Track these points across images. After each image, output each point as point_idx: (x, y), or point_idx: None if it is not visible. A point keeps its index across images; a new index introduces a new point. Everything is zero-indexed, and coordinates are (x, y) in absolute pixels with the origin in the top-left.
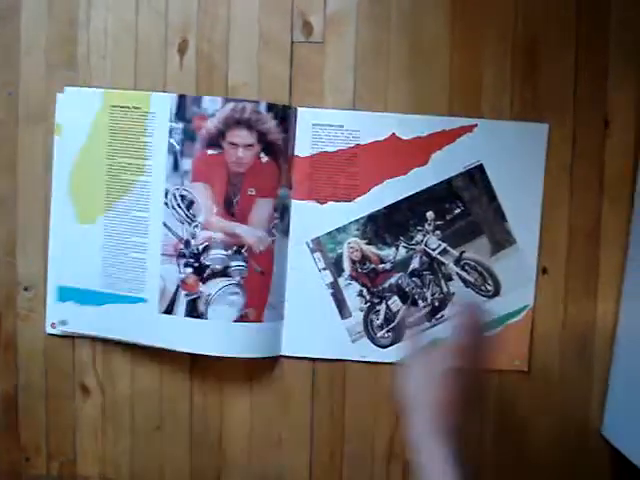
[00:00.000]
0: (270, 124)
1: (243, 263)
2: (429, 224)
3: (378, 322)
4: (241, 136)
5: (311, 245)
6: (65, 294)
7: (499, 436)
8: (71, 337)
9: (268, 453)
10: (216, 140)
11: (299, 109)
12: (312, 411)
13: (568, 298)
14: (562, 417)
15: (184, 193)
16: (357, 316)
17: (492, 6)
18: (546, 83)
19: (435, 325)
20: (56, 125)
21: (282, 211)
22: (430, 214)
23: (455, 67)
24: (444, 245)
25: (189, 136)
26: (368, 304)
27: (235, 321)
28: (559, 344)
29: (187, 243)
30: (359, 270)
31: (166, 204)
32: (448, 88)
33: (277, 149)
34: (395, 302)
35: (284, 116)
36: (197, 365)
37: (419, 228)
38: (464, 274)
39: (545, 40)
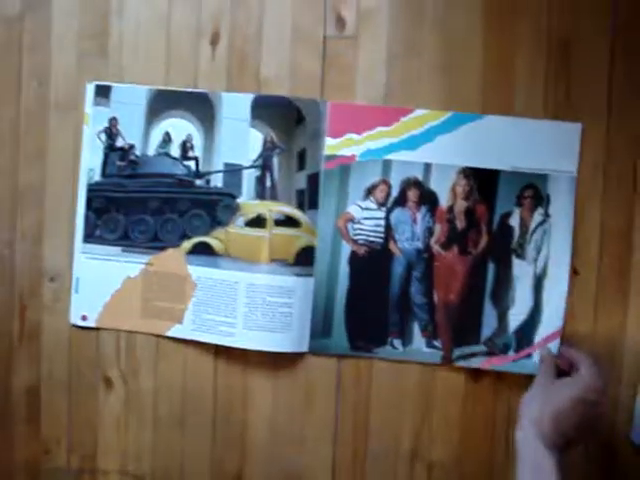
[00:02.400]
0: None
1: None
2: None
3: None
4: None
5: None
6: None
7: None
8: (95, 329)
9: (290, 449)
10: None
11: (329, 103)
12: (336, 408)
13: (599, 300)
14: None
15: None
16: None
17: (526, 3)
18: (580, 81)
19: None
20: (85, 115)
21: None
22: None
23: (488, 64)
24: None
25: None
26: None
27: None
28: (589, 345)
29: None
30: None
31: None
32: (481, 85)
33: None
34: None
35: None
36: (221, 359)
37: None
38: None
39: (579, 38)
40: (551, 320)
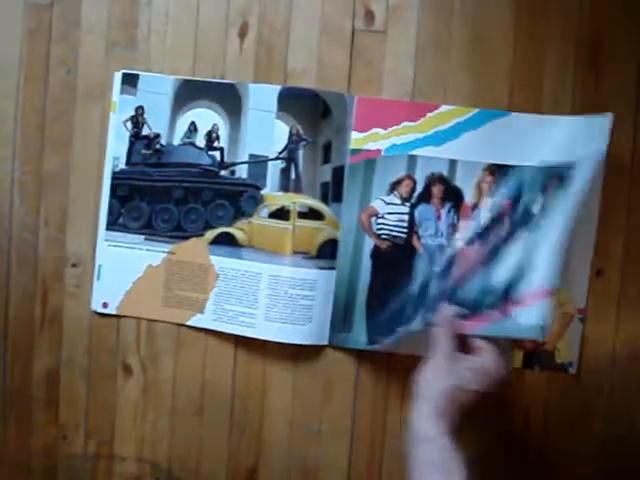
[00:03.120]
0: None
1: None
2: None
3: None
4: None
5: None
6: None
7: (545, 438)
8: (116, 316)
9: (308, 443)
10: None
11: (356, 97)
12: (354, 402)
13: (622, 301)
14: (610, 422)
15: None
16: None
17: (556, 0)
18: (609, 80)
19: None
20: (112, 103)
21: None
22: None
23: (517, 61)
24: None
25: None
26: None
27: None
28: (611, 348)
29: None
30: None
31: None
32: (509, 82)
33: None
34: None
35: None
36: (241, 349)
37: None
38: None
39: (610, 36)
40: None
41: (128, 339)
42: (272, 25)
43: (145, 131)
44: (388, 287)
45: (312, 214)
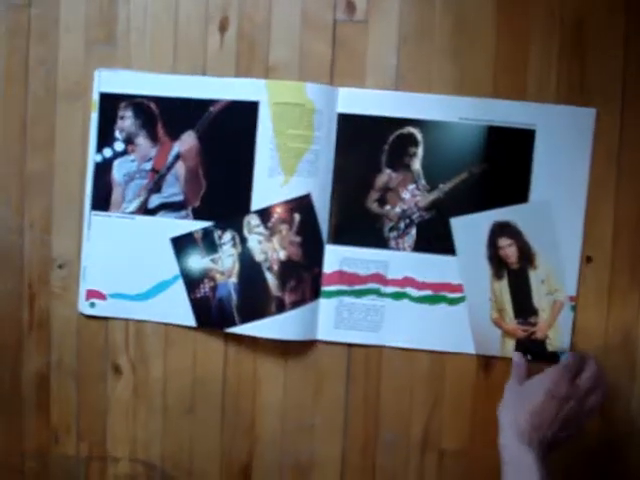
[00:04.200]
0: None
1: None
2: None
3: None
4: None
5: None
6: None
7: None
8: (104, 317)
9: (301, 438)
10: None
11: (340, 89)
12: (346, 396)
13: (612, 288)
14: (603, 411)
15: None
16: None
17: None
18: (594, 65)
19: None
20: (93, 102)
21: None
22: None
23: (500, 48)
24: None
25: None
26: None
27: None
28: (602, 336)
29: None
30: None
31: None
32: (493, 69)
33: None
34: None
35: None
36: (231, 346)
37: None
38: None
39: (593, 21)
40: None
41: (117, 340)
42: (252, 19)
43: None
44: None
45: None
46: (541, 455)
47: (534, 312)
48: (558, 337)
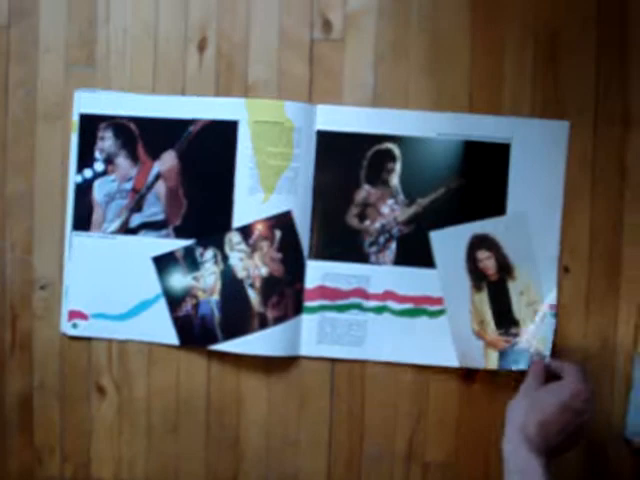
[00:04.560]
0: None
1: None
2: None
3: None
4: None
5: None
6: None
7: None
8: (87, 338)
9: (286, 453)
10: None
11: (318, 107)
12: (331, 411)
13: (590, 297)
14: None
15: None
16: None
17: (512, 2)
18: (567, 79)
19: None
20: (73, 123)
21: None
22: None
23: (476, 63)
24: None
25: None
26: None
27: None
28: (582, 343)
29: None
30: None
31: None
32: (469, 84)
33: None
34: None
35: None
36: (214, 364)
37: None
38: None
39: (566, 36)
40: None
41: (100, 360)
42: (231, 39)
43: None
44: None
45: None
46: (546, 463)
47: (515, 323)
48: (540, 346)
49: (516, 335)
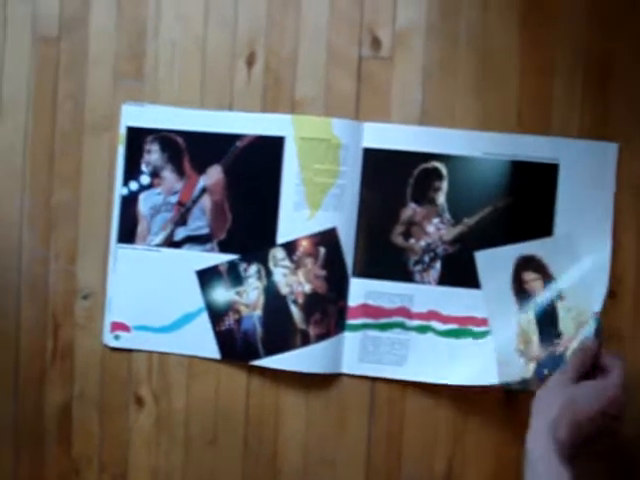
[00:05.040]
0: None
1: None
2: None
3: None
4: None
5: None
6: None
7: None
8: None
9: (322, 471)
10: None
11: (365, 124)
12: (369, 430)
13: (637, 323)
14: (628, 446)
15: None
16: None
17: (563, 22)
18: (617, 101)
19: None
20: (120, 136)
21: None
22: None
23: (525, 83)
24: None
25: None
26: None
27: None
28: (626, 369)
29: None
30: None
31: None
32: (517, 104)
33: None
34: None
35: None
36: (253, 378)
37: None
38: None
39: (617, 57)
40: None
41: (140, 370)
42: (279, 54)
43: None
44: None
45: None
46: (571, 464)
47: (559, 335)
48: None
49: (558, 344)
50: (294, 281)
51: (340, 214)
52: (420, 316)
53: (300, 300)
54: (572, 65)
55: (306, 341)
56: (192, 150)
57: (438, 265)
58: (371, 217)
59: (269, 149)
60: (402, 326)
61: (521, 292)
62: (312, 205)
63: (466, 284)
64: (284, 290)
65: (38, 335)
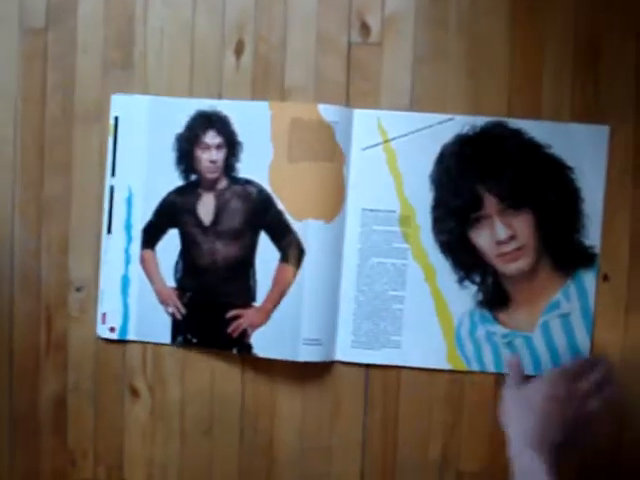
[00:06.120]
0: None
1: None
2: None
3: None
4: None
5: None
6: None
7: None
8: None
9: (319, 459)
10: None
11: (355, 110)
12: (364, 418)
13: (630, 306)
14: (621, 429)
15: None
16: None
17: (553, 5)
18: (607, 84)
19: None
20: (110, 126)
21: None
22: None
23: (515, 67)
24: None
25: None
26: None
27: None
28: (619, 354)
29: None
30: None
31: None
32: (507, 89)
33: None
34: None
35: None
36: (248, 368)
37: None
38: None
39: (606, 40)
40: None
41: (134, 362)
42: (268, 41)
43: None
44: None
45: None
46: (551, 461)
47: None
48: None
49: None
50: None
51: None
52: None
53: None
54: (562, 48)
55: None
56: None
57: None
58: None
59: None
60: None
61: None
62: None
63: None
64: None
65: (31, 327)
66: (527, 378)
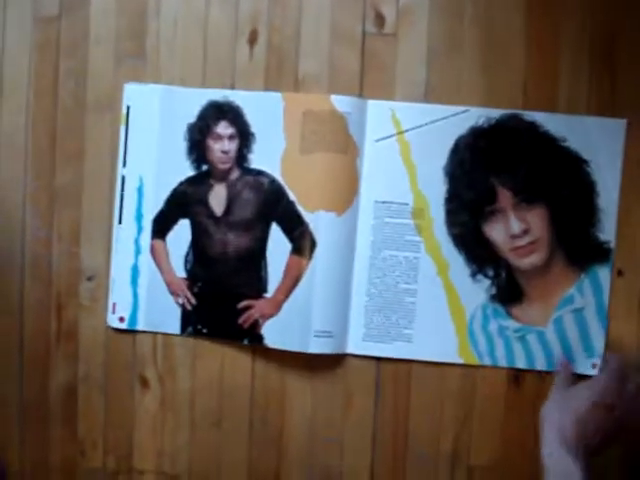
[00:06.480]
0: None
1: None
2: None
3: None
4: None
5: None
6: None
7: None
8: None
9: (329, 452)
10: None
11: (369, 101)
12: (375, 410)
13: None
14: None
15: None
16: None
17: None
18: (624, 77)
19: None
20: (122, 115)
21: None
22: None
23: (531, 60)
24: None
25: None
26: None
27: None
28: (635, 349)
29: None
30: None
31: None
32: (523, 81)
33: None
34: None
35: None
36: (258, 359)
37: None
38: None
39: (625, 32)
40: None
41: (144, 352)
42: (282, 31)
43: None
44: None
45: None
46: (585, 465)
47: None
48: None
49: None
50: None
51: None
52: None
53: None
54: (578, 41)
55: None
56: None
57: None
58: None
59: None
60: None
61: None
62: None
63: None
64: None
65: (42, 316)
66: (575, 378)
